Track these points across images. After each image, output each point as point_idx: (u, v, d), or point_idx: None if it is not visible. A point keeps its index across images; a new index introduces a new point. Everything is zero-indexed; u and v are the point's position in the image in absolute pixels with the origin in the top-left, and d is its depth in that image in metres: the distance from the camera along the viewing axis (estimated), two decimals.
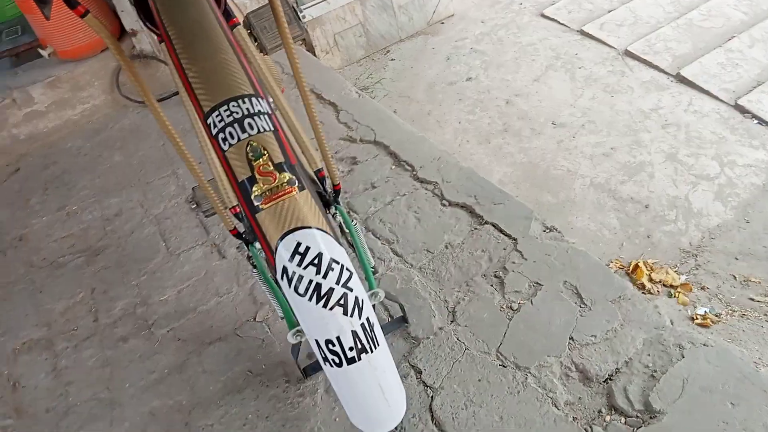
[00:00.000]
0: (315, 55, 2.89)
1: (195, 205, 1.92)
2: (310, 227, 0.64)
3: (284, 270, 0.63)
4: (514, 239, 1.55)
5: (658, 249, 1.91)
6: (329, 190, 1.02)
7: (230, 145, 0.67)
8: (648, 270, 1.85)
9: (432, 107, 2.64)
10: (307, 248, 0.64)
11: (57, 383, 1.51)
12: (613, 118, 2.37)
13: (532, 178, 2.21)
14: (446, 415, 1.22)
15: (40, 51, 2.44)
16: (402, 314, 1.39)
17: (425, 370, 1.31)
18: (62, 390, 1.49)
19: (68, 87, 2.42)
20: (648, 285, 1.81)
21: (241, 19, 1.44)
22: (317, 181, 1.00)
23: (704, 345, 1.23)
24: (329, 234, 0.66)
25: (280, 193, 0.65)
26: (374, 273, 1.23)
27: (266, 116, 0.69)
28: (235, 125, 0.68)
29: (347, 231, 1.06)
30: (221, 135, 0.68)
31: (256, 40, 1.36)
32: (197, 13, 0.74)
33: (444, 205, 1.72)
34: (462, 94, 2.66)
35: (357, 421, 0.68)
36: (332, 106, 2.29)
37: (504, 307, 1.40)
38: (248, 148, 0.67)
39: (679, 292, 1.77)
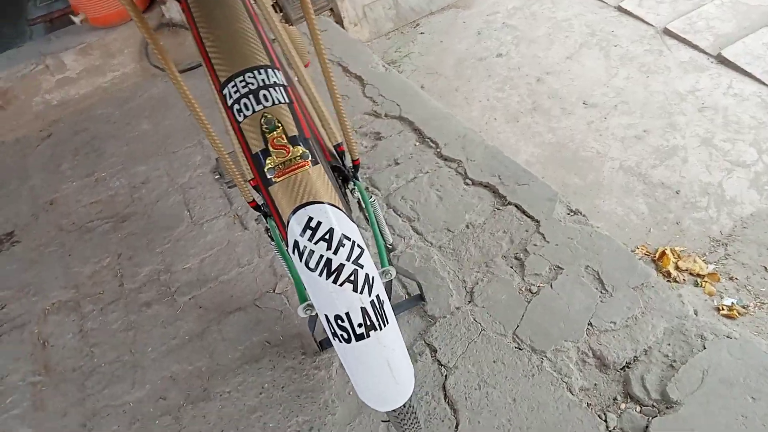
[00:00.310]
0: (343, 27, 2.85)
1: (218, 176, 1.93)
2: (322, 202, 0.64)
3: (295, 244, 0.63)
4: (537, 221, 1.53)
5: (686, 236, 1.86)
6: (348, 165, 1.01)
7: (245, 116, 0.67)
8: (675, 258, 1.80)
9: (460, 83, 2.59)
10: (319, 223, 0.63)
11: (83, 344, 1.57)
12: (648, 99, 2.29)
13: (559, 160, 2.16)
14: (459, 394, 1.22)
15: (73, 17, 2.46)
16: (419, 292, 1.39)
17: (440, 348, 1.31)
18: (88, 351, 1.55)
19: (99, 54, 2.45)
20: (674, 273, 1.77)
21: None
22: (336, 155, 0.99)
23: (728, 337, 1.20)
24: (341, 210, 0.65)
25: (293, 167, 0.64)
26: (392, 250, 1.23)
27: (282, 88, 0.68)
28: (251, 96, 0.67)
29: (365, 207, 1.05)
30: (236, 106, 0.68)
31: (281, 10, 1.34)
32: None
33: (467, 184, 1.70)
34: (491, 70, 2.60)
35: (365, 397, 0.69)
36: (358, 79, 2.26)
37: (523, 289, 1.38)
38: (263, 120, 0.67)
39: (706, 282, 1.72)
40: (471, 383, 1.24)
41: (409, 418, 0.83)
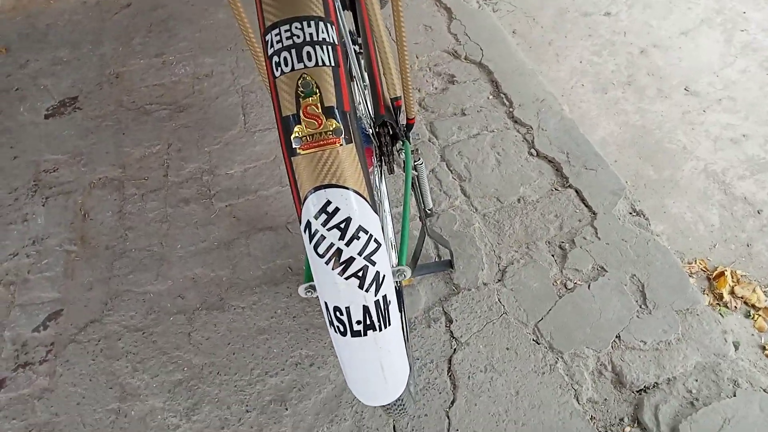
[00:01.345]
0: None
1: None
2: (346, 187, 0.57)
3: (308, 224, 0.58)
4: (594, 213, 1.42)
5: (753, 262, 1.70)
6: (402, 122, 0.93)
7: (282, 72, 0.59)
8: (733, 281, 1.66)
9: (555, 37, 2.37)
10: (337, 209, 0.57)
11: (119, 225, 1.61)
12: (760, 101, 2.04)
13: (639, 146, 1.98)
14: (463, 372, 1.19)
15: None
16: (449, 258, 1.34)
17: (456, 320, 1.27)
18: (122, 233, 1.59)
19: None
20: (727, 297, 1.63)
21: None
22: (392, 109, 0.91)
23: (764, 390, 1.10)
24: (365, 199, 0.59)
25: (321, 141, 0.57)
26: (430, 215, 1.16)
27: (331, 47, 0.59)
28: (293, 51, 0.59)
29: (406, 170, 0.98)
30: (275, 58, 0.59)
31: None
32: None
33: (531, 155, 1.59)
34: (594, 29, 2.36)
35: (352, 387, 0.66)
36: (446, 11, 2.10)
37: (558, 282, 1.30)
38: (300, 81, 0.58)
39: (759, 316, 1.59)
40: (478, 364, 1.20)
41: (396, 409, 0.81)
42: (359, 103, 0.95)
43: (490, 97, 1.77)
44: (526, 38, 2.37)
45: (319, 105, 0.58)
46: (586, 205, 1.43)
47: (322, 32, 0.59)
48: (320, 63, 0.59)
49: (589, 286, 1.28)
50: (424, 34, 2.02)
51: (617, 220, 1.39)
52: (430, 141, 1.67)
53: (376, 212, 0.60)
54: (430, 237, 1.24)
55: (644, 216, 1.39)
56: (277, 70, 0.59)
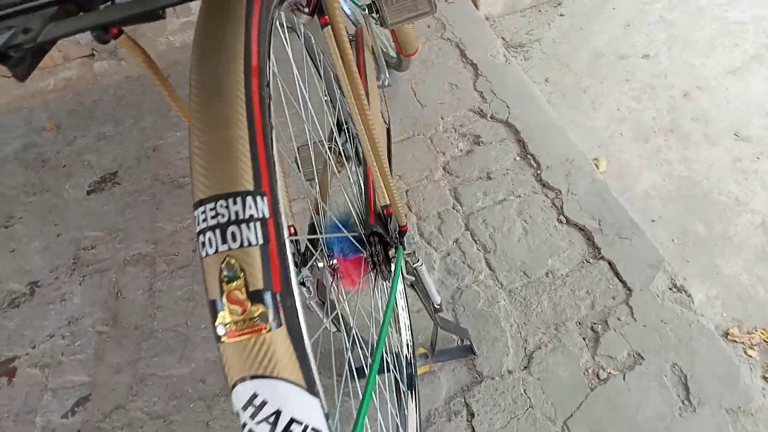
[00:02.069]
0: None
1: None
2: (274, 377, 0.53)
3: (237, 414, 0.54)
4: (629, 289, 1.31)
5: None
6: (394, 229, 0.89)
7: (207, 253, 0.56)
8: None
9: (591, 83, 2.28)
10: (264, 402, 0.53)
11: (149, 303, 1.64)
12: None
13: (686, 198, 1.85)
14: None
15: None
16: (470, 344, 1.26)
17: (479, 414, 1.19)
18: (152, 312, 1.62)
19: None
20: None
21: None
22: (382, 217, 0.87)
23: None
24: (300, 386, 0.54)
25: (246, 330, 0.53)
26: (439, 311, 1.10)
27: (259, 224, 0.55)
28: (217, 231, 0.55)
29: (393, 275, 0.92)
30: (201, 237, 0.57)
31: (377, 11, 1.20)
32: (222, 59, 0.59)
33: (560, 222, 1.50)
34: (632, 73, 2.25)
35: None
36: (473, 68, 2.06)
37: (589, 371, 1.20)
38: (224, 264, 0.55)
39: None
40: None
41: None
42: (351, 211, 0.92)
43: (517, 158, 1.70)
44: (560, 86, 2.29)
45: (243, 290, 0.54)
46: (621, 280, 1.33)
47: (250, 208, 0.55)
48: (246, 243, 0.54)
49: (624, 376, 1.17)
50: (450, 93, 1.99)
51: (655, 297, 1.28)
52: (453, 208, 1.62)
53: (315, 394, 0.55)
54: (444, 330, 1.18)
55: (686, 293, 1.27)
56: (203, 250, 0.55)
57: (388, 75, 1.34)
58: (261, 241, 0.54)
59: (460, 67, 2.08)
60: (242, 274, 0.54)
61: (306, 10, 0.83)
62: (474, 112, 1.89)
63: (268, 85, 0.59)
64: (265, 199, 0.55)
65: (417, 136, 1.87)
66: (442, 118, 1.91)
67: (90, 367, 1.52)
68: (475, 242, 1.52)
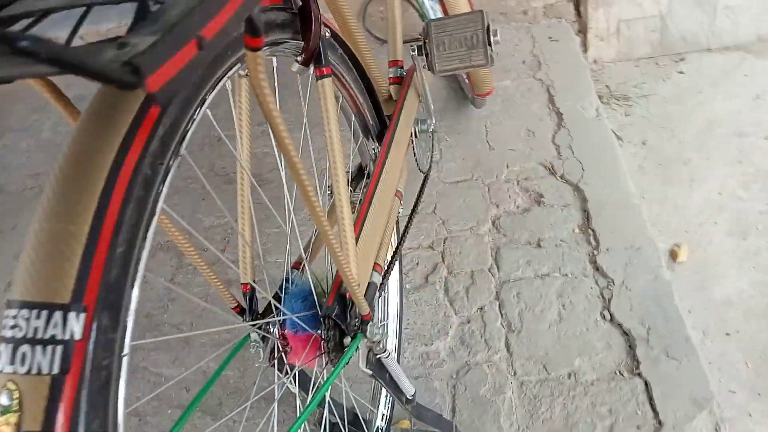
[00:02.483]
0: (586, 38, 2.38)
1: None
2: None
3: None
4: (660, 423, 1.10)
5: None
6: (353, 317, 0.77)
7: None
8: None
9: (695, 156, 1.99)
10: None
11: (165, 294, 1.64)
12: None
13: None
14: None
15: None
16: (455, 426, 1.11)
17: None
18: (165, 303, 1.61)
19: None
20: None
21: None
22: (345, 299, 0.76)
23: None
24: None
25: None
26: (410, 402, 0.97)
27: (60, 348, 0.43)
28: (9, 346, 0.44)
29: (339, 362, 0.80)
30: None
31: (427, 55, 1.08)
32: (97, 136, 0.46)
33: (603, 318, 1.30)
34: (746, 155, 1.94)
35: None
36: (557, 116, 1.87)
37: None
38: (4, 389, 0.44)
39: None
40: None
41: None
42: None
43: (576, 230, 1.50)
44: (658, 153, 2.02)
45: (14, 427, 0.43)
46: (653, 409, 1.11)
47: (54, 326, 0.44)
48: (35, 370, 0.43)
49: None
50: (524, 141, 1.81)
51: None
52: (489, 271, 1.46)
53: None
54: (420, 420, 1.03)
55: None
56: None
57: (434, 120, 1.21)
58: (55, 371, 0.43)
59: (544, 114, 1.90)
60: (18, 409, 0.44)
61: (299, 58, 0.74)
62: (544, 167, 1.71)
63: (155, 168, 0.48)
64: (82, 316, 0.44)
65: (475, 180, 1.72)
66: (507, 166, 1.74)
67: None
68: (501, 316, 1.35)
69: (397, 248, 1.05)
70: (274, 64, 0.80)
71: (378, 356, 0.82)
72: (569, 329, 1.29)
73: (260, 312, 0.82)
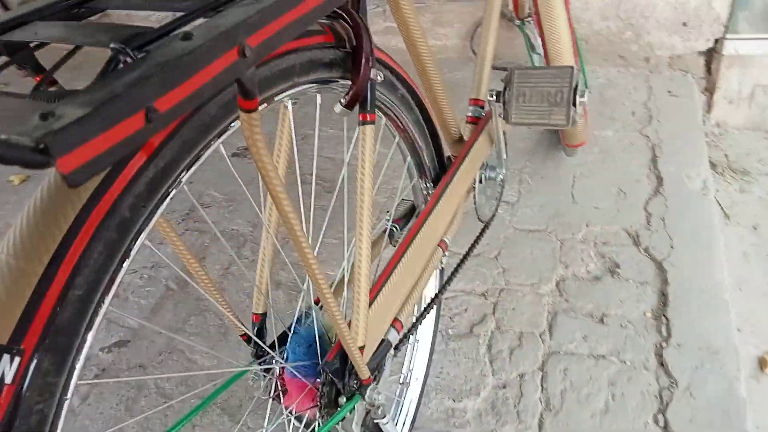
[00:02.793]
0: (712, 98, 2.15)
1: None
2: None
3: None
4: None
5: None
6: (351, 379, 0.72)
7: None
8: None
9: None
10: None
11: (218, 282, 1.67)
12: None
13: None
14: None
15: None
16: None
17: None
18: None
19: (431, 18, 2.38)
20: None
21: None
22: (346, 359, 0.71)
23: None
24: None
25: None
26: None
27: None
28: None
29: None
30: None
31: (505, 103, 1.00)
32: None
33: (656, 422, 1.15)
34: None
35: None
36: (656, 180, 1.70)
37: None
38: None
39: None
40: None
41: None
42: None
43: (648, 314, 1.35)
44: (764, 243, 1.78)
45: None
46: None
47: None
48: None
49: None
50: (613, 200, 1.66)
51: None
52: (540, 337, 1.35)
53: None
54: None
55: None
56: None
57: (505, 170, 1.13)
58: None
59: (642, 175, 1.73)
60: None
61: (342, 99, 0.69)
62: (628, 234, 1.56)
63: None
64: (17, 360, 0.42)
65: (549, 233, 1.60)
66: (587, 225, 1.61)
67: (144, 316, 1.60)
68: (542, 389, 1.24)
69: (432, 300, 0.99)
70: (318, 101, 0.77)
71: (376, 421, 0.76)
72: (614, 424, 1.16)
73: (267, 345, 0.80)
